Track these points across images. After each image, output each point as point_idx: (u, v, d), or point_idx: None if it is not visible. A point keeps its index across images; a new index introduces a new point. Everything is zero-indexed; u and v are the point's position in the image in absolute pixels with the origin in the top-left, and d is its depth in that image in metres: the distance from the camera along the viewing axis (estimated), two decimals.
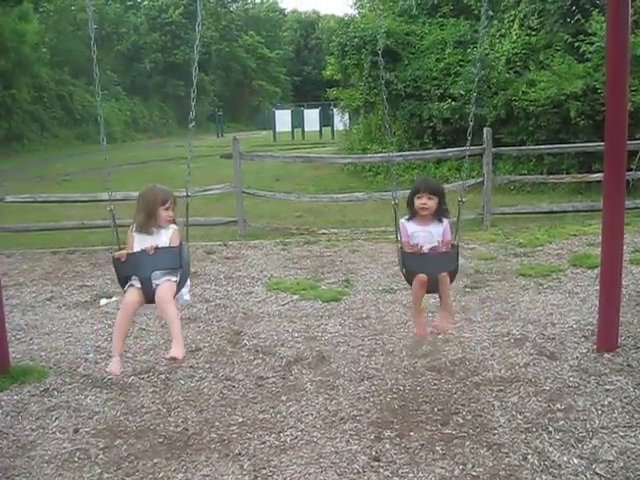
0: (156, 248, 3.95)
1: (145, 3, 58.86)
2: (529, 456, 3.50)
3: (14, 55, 32.32)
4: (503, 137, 13.85)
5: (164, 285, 3.96)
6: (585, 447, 3.57)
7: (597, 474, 3.32)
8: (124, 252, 4.02)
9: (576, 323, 5.49)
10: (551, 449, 3.56)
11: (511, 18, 15.85)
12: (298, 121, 40.54)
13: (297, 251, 8.77)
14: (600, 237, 5.09)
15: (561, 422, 3.84)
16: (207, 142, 33.00)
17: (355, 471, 3.43)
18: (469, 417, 3.96)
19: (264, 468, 3.49)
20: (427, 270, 4.11)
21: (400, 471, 3.42)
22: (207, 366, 4.91)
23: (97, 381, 4.69)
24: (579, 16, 14.00)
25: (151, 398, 4.40)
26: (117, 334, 4.07)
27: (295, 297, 6.59)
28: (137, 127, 48.02)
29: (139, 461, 3.61)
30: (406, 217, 4.31)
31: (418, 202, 4.21)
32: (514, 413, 3.98)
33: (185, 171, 4.44)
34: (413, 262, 4.19)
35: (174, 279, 4.02)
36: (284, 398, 4.33)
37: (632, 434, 3.68)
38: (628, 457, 3.45)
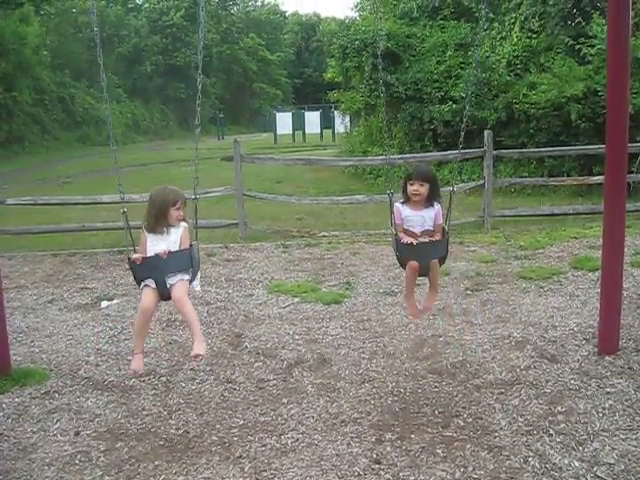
0: (169, 253, 4.07)
1: (146, 6, 58.90)
2: (530, 459, 3.50)
3: (15, 57, 32.35)
4: (504, 140, 13.85)
5: (178, 286, 4.09)
6: (586, 450, 3.57)
7: (598, 477, 3.32)
8: (139, 256, 4.13)
9: (577, 326, 5.49)
10: (552, 452, 3.56)
11: (512, 21, 15.86)
12: (299, 124, 40.61)
13: (298, 254, 8.77)
14: (601, 240, 5.10)
15: (562, 425, 3.84)
16: (208, 144, 32.97)
17: (356, 474, 3.43)
18: (470, 420, 3.96)
19: (265, 471, 3.49)
20: (419, 257, 4.32)
21: (401, 474, 3.41)
22: (208, 369, 4.91)
23: (98, 384, 4.70)
24: (580, 19, 14.02)
25: (152, 401, 4.41)
26: (138, 335, 4.24)
27: (296, 300, 6.59)
28: (138, 129, 48.05)
29: (140, 464, 3.61)
30: (401, 201, 4.48)
31: (411, 188, 4.38)
32: (515, 416, 3.98)
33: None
34: (406, 249, 4.34)
35: (186, 277, 4.16)
36: (285, 401, 4.33)
37: (633, 437, 3.67)
38: (629, 460, 3.45)
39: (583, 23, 13.79)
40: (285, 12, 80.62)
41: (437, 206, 4.43)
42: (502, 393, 4.30)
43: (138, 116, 49.00)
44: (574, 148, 12.10)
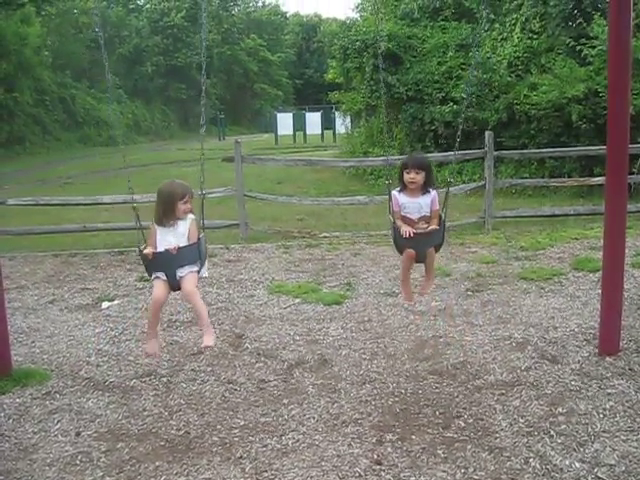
0: (178, 248, 4.22)
1: (147, 6, 58.97)
2: (531, 460, 3.50)
3: (16, 58, 32.37)
4: (505, 140, 13.85)
5: (188, 278, 4.27)
6: (587, 451, 3.56)
7: (599, 478, 3.32)
8: (150, 251, 4.27)
9: (578, 327, 5.49)
10: (553, 453, 3.56)
11: (513, 22, 15.86)
12: (300, 124, 40.62)
13: (299, 254, 8.77)
14: (602, 241, 5.10)
15: (563, 426, 3.84)
16: (209, 145, 32.88)
17: (357, 474, 3.43)
18: (471, 421, 3.96)
19: (266, 471, 3.49)
20: (416, 246, 4.48)
21: (402, 474, 3.42)
22: (209, 369, 4.91)
23: (99, 384, 4.70)
24: (581, 20, 14.01)
25: (153, 401, 4.41)
26: (150, 323, 4.47)
27: (297, 300, 6.59)
28: (139, 130, 48.05)
29: (141, 464, 3.61)
30: (397, 189, 4.62)
31: (407, 176, 4.52)
32: (516, 417, 3.98)
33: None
34: (403, 238, 4.44)
35: (195, 269, 4.35)
36: (286, 401, 4.33)
37: (634, 438, 3.67)
38: (630, 461, 3.45)
39: (584, 24, 13.79)
40: (286, 13, 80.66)
41: (433, 192, 4.57)
42: (503, 394, 4.30)
43: (139, 116, 49.00)
44: (575, 149, 12.10)
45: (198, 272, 4.38)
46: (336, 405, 4.24)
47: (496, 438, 3.74)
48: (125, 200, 9.52)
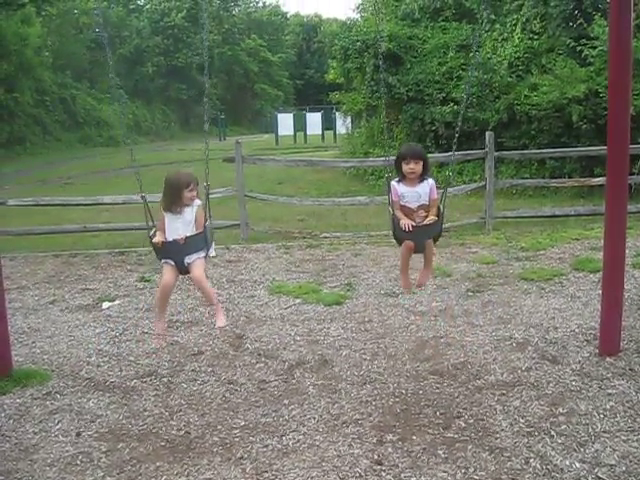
0: (186, 238, 4.44)
1: (147, 7, 58.94)
2: (531, 460, 3.50)
3: (17, 58, 32.38)
4: (505, 141, 13.84)
5: (196, 263, 4.54)
6: (587, 451, 3.57)
7: (599, 478, 3.32)
8: (160, 240, 4.49)
9: (578, 327, 5.49)
10: (553, 453, 3.56)
11: (513, 22, 15.84)
12: (300, 125, 40.60)
13: (299, 255, 8.77)
14: (602, 241, 5.11)
15: (563, 426, 3.84)
16: (209, 145, 32.89)
17: (357, 475, 3.43)
18: (471, 421, 3.96)
19: (266, 472, 3.50)
20: (415, 238, 4.55)
21: (402, 475, 3.42)
22: (209, 370, 4.92)
23: (99, 384, 4.70)
24: (581, 20, 13.99)
25: (153, 402, 4.41)
26: (159, 306, 4.78)
27: (297, 301, 6.59)
28: (139, 130, 48.03)
29: (142, 465, 3.61)
30: (396, 179, 4.67)
31: (406, 167, 4.56)
32: (516, 417, 3.98)
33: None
34: (403, 230, 4.49)
35: (203, 254, 4.59)
36: (286, 402, 4.33)
37: (634, 438, 3.67)
38: (630, 461, 3.45)
39: (585, 25, 13.78)
40: (286, 13, 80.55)
41: (430, 181, 4.64)
42: (503, 394, 4.30)
43: (139, 117, 48.99)
44: (575, 150, 12.09)
45: (205, 256, 4.61)
46: (337, 405, 4.25)
47: (496, 438, 3.75)
48: (124, 201, 9.54)
